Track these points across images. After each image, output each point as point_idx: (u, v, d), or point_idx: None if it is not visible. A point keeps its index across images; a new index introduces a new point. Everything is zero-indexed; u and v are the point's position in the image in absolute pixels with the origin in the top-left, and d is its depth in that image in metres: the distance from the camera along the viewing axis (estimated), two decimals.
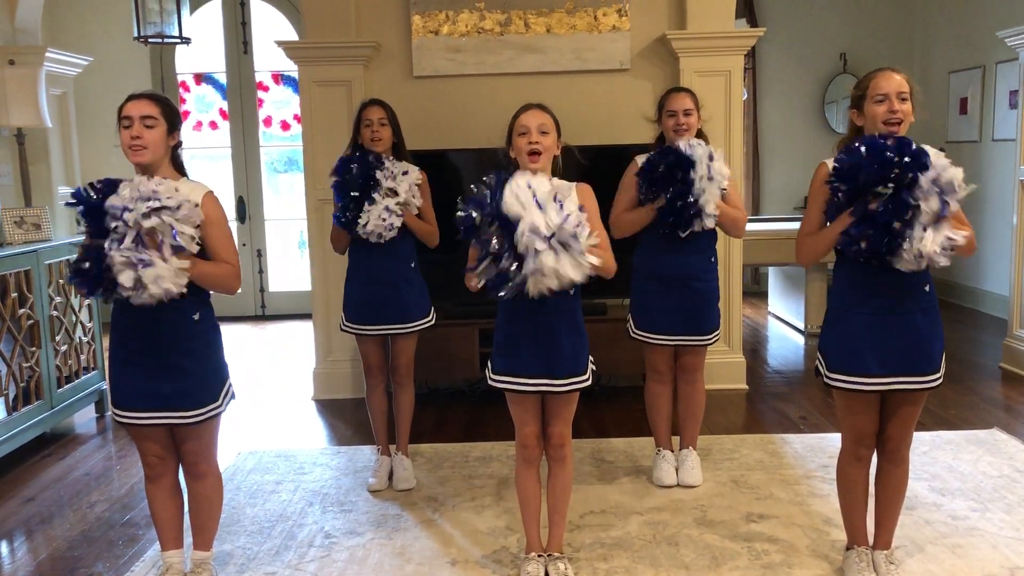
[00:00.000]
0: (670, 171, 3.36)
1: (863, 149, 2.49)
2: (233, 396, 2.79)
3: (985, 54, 7.04)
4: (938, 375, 2.67)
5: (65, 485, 3.94)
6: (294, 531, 3.37)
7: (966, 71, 7.39)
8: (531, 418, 2.84)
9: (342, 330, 3.75)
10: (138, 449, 2.78)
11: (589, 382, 2.83)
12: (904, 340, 2.62)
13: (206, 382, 2.68)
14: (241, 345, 7.01)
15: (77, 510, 3.65)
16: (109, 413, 4.80)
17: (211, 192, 2.67)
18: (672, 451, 3.79)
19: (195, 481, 2.79)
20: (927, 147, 2.53)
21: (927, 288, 2.65)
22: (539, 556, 2.90)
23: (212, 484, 2.81)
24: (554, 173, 2.82)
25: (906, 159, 2.44)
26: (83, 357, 4.81)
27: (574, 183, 2.79)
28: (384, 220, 3.49)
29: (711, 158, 3.39)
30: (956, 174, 2.48)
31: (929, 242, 2.46)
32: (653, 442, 3.83)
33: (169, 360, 2.61)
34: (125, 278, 2.43)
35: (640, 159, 3.54)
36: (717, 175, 3.39)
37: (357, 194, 3.49)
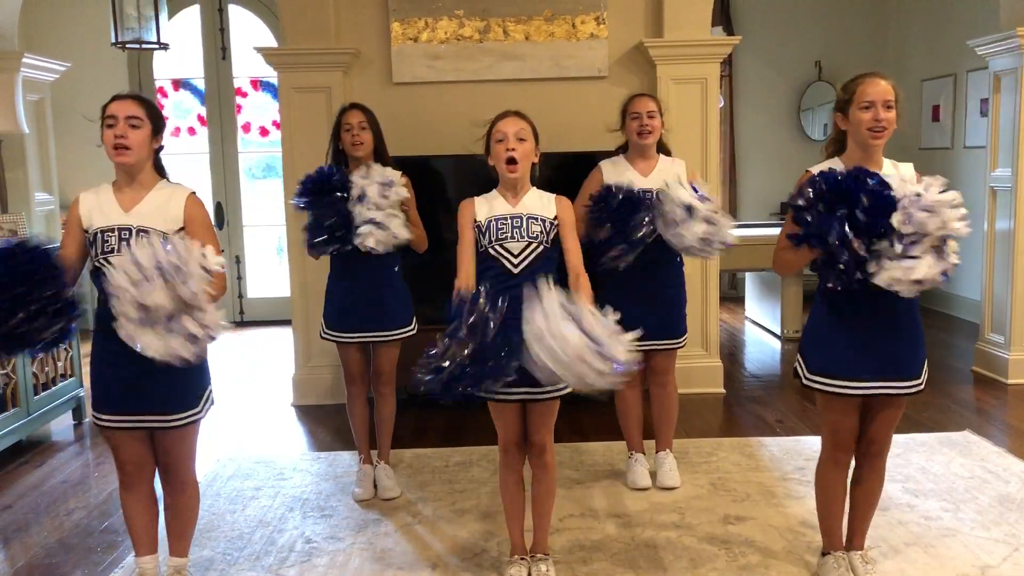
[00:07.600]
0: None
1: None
2: (213, 403, 2.77)
3: (957, 63, 7.15)
4: (920, 380, 2.67)
5: (42, 493, 3.91)
6: (274, 536, 3.37)
7: (938, 79, 7.51)
8: (512, 426, 2.84)
9: (322, 337, 3.71)
10: (114, 456, 2.74)
11: (569, 388, 2.79)
12: (887, 344, 2.61)
13: (190, 385, 2.66)
14: (220, 351, 6.96)
15: (54, 517, 3.63)
16: (88, 419, 4.78)
17: (193, 193, 2.68)
18: (644, 454, 3.82)
19: (173, 489, 2.77)
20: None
21: None
22: (522, 558, 2.91)
23: (190, 493, 2.80)
24: (531, 180, 2.85)
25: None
26: (60, 364, 4.77)
27: (554, 195, 2.84)
28: (380, 231, 3.41)
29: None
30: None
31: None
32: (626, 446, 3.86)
33: (154, 362, 2.52)
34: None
35: (605, 165, 3.57)
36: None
37: (331, 222, 3.40)
